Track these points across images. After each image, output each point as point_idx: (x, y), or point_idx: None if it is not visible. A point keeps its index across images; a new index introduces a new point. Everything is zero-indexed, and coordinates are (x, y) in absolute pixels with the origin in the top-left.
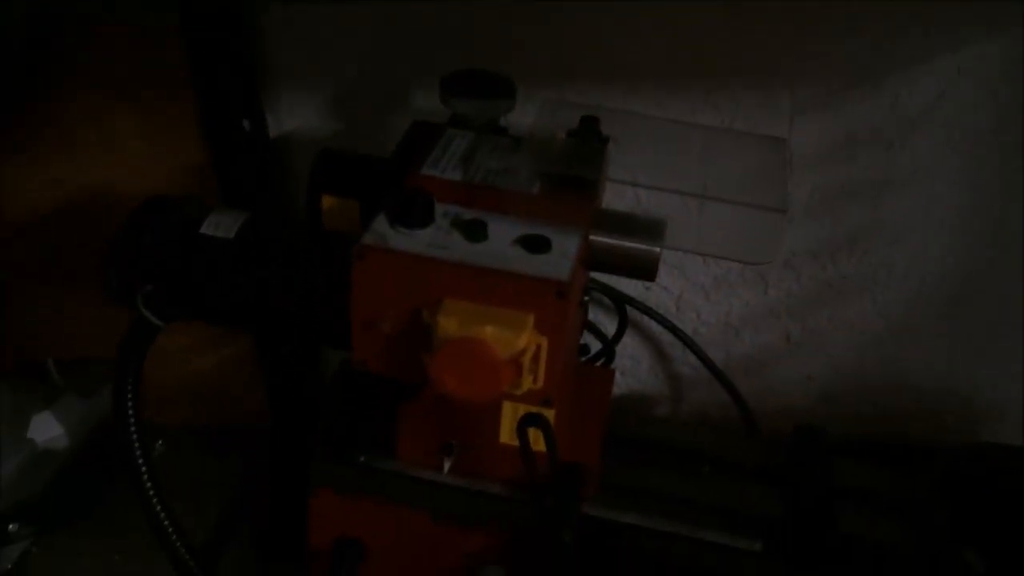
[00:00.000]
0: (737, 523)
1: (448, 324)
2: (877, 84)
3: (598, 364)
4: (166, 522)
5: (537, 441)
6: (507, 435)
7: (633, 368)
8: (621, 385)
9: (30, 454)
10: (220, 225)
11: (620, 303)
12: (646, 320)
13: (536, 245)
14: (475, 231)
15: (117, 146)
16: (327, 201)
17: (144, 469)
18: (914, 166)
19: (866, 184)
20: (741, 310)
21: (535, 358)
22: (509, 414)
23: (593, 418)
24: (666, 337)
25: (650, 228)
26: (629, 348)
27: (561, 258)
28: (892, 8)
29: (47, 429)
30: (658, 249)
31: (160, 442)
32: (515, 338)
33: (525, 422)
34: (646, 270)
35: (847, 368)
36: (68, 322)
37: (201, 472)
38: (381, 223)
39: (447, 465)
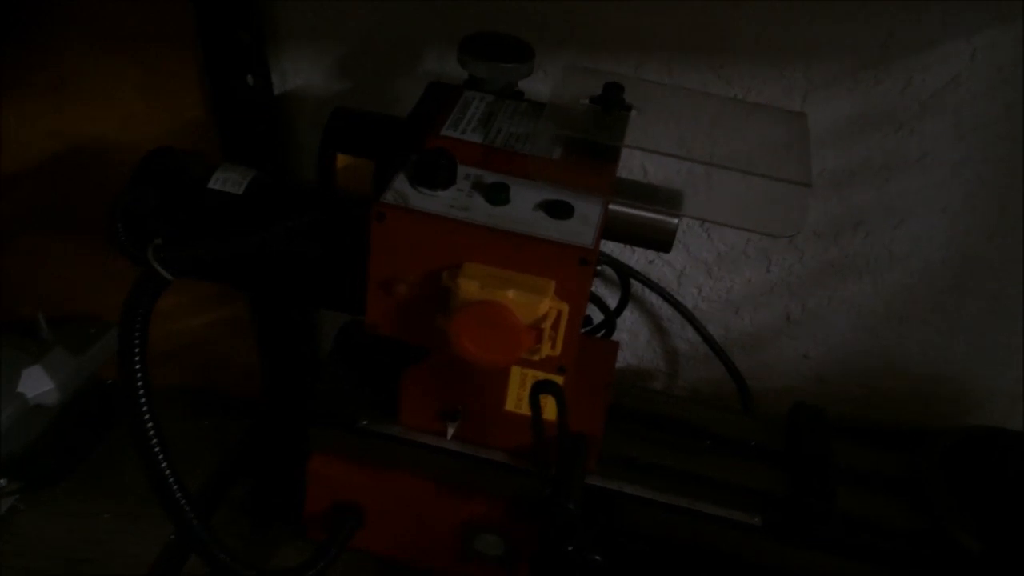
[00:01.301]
0: (737, 498)
1: (469, 287)
2: (891, 66)
3: (598, 336)
4: (171, 480)
5: (544, 409)
6: (513, 402)
7: (631, 342)
8: (618, 358)
9: (20, 408)
10: (228, 181)
11: (624, 275)
12: (646, 294)
13: (558, 210)
14: (497, 194)
15: (116, 99)
16: (341, 160)
17: (151, 427)
18: (921, 151)
19: (874, 166)
20: (743, 287)
21: (555, 324)
22: (516, 381)
23: (597, 390)
24: (665, 311)
25: (669, 198)
26: (628, 321)
27: (583, 225)
28: None
29: (38, 384)
30: (676, 220)
31: None
32: (537, 303)
33: (539, 388)
34: (662, 241)
35: (843, 349)
36: (60, 277)
37: (191, 433)
38: (401, 183)
39: (450, 431)
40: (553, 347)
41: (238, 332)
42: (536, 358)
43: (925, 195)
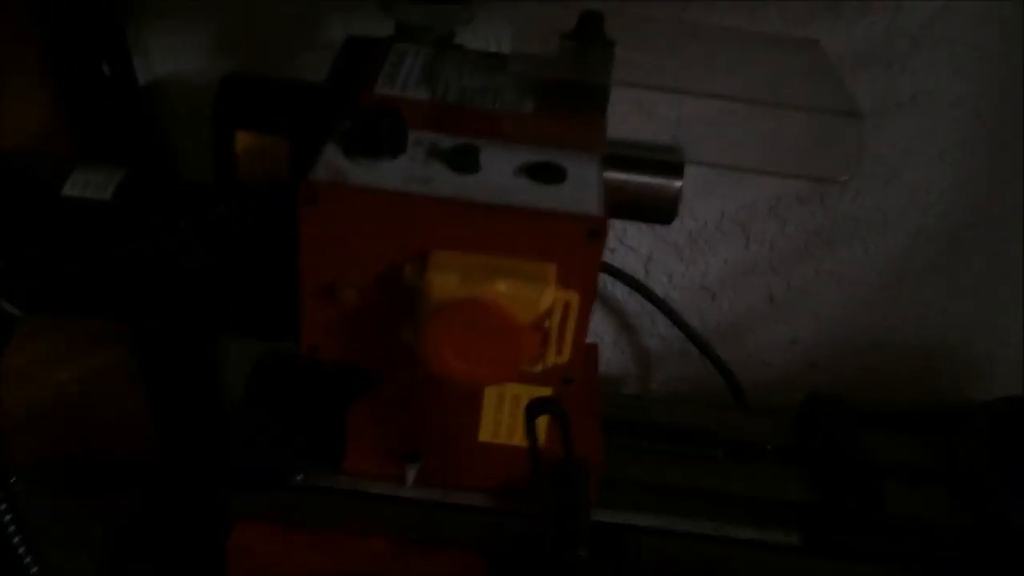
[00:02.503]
0: (766, 514)
1: (445, 282)
2: None
3: None
4: None
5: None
6: (488, 431)
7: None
8: None
9: None
10: (89, 184)
11: None
12: (608, 288)
13: (547, 174)
14: (464, 159)
15: None
16: (243, 139)
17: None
18: (913, 89)
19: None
20: (719, 269)
21: (562, 322)
22: (492, 403)
23: (586, 402)
24: (631, 306)
25: (668, 155)
26: (592, 323)
27: (582, 188)
28: None
29: None
30: (679, 183)
31: (13, 479)
32: (537, 296)
33: (536, 410)
34: (663, 209)
35: (834, 329)
36: None
37: (71, 514)
38: (334, 154)
39: (411, 476)
40: (559, 352)
41: (118, 382)
42: (538, 368)
43: (919, 141)
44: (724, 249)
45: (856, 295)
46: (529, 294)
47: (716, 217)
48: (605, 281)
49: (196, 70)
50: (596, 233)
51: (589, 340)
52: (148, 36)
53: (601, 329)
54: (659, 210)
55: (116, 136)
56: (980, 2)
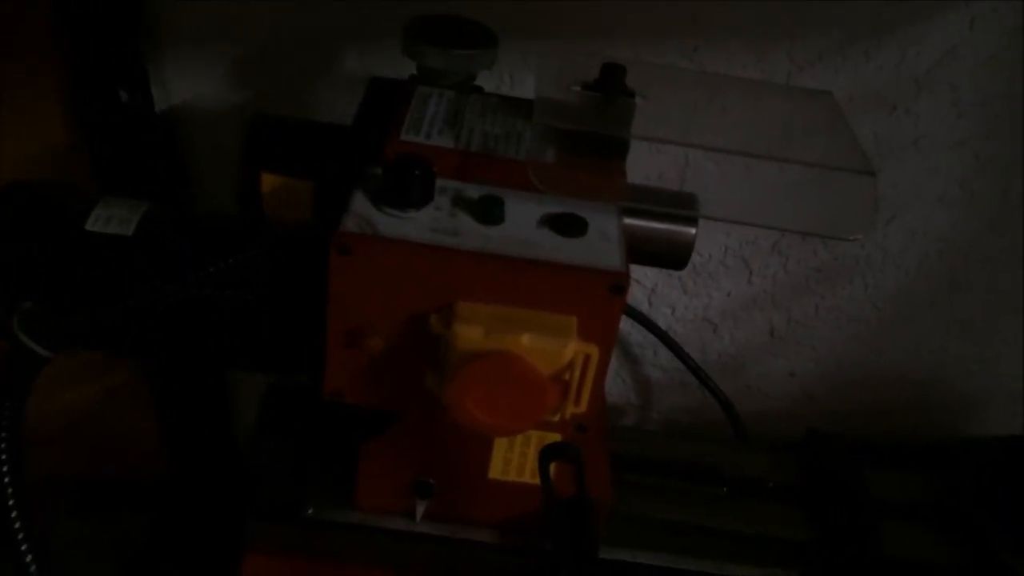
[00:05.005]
0: (767, 552)
1: (471, 334)
2: (882, 39)
3: None
4: None
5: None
6: (498, 469)
7: None
8: None
9: None
10: (112, 219)
11: None
12: None
13: (569, 226)
14: (489, 210)
15: None
16: (269, 180)
17: (26, 548)
18: (917, 133)
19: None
20: (721, 302)
21: (583, 374)
22: (503, 443)
23: (596, 442)
24: (635, 337)
25: (683, 205)
26: None
27: (604, 241)
28: None
29: None
30: (694, 230)
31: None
32: (559, 349)
33: (551, 455)
34: (678, 257)
35: (832, 362)
36: None
37: (81, 536)
38: (363, 204)
39: (420, 511)
40: (577, 403)
41: (133, 404)
42: (556, 418)
43: (920, 183)
44: (727, 283)
45: (854, 330)
46: (552, 347)
47: (720, 252)
48: None
49: (213, 98)
50: (618, 288)
51: None
52: (167, 64)
53: None
54: (674, 256)
55: (132, 162)
56: (985, 49)
